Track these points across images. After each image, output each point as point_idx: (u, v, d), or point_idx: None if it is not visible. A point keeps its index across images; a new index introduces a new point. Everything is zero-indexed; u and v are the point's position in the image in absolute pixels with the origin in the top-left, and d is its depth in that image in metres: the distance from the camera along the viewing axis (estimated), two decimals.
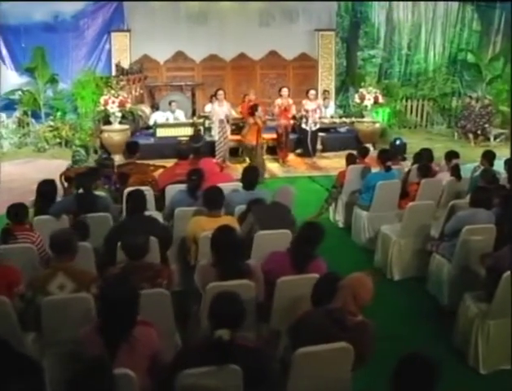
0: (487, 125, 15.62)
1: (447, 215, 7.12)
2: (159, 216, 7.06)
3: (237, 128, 13.44)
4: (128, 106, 13.39)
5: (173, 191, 7.36)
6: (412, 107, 17.79)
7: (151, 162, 9.21)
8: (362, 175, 8.77)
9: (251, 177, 6.91)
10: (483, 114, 15.69)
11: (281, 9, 16.45)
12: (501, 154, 14.09)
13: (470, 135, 15.74)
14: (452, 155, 8.65)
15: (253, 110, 11.85)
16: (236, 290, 4.72)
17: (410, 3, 17.54)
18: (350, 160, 9.12)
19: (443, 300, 6.55)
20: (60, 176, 8.56)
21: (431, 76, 17.96)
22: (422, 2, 17.60)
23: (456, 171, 8.36)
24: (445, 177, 8.42)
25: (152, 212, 7.08)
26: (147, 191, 7.71)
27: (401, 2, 17.48)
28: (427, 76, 17.97)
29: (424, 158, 8.97)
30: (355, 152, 9.38)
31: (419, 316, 6.47)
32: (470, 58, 18.01)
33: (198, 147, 8.84)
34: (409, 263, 7.29)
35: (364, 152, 9.31)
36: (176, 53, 16.16)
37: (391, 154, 9.36)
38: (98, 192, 7.18)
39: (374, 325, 3.95)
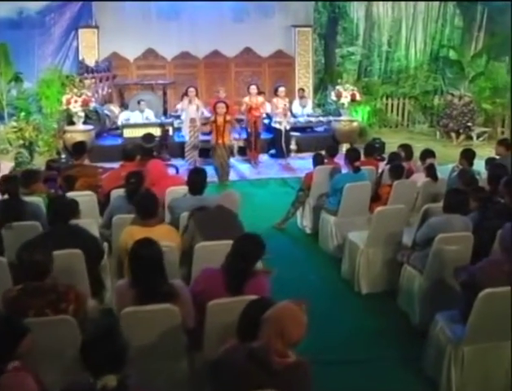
0: (469, 124, 14.83)
1: (420, 221, 6.29)
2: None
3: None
4: (92, 105, 12.51)
5: (117, 195, 6.52)
6: (392, 105, 16.96)
7: (118, 165, 8.30)
8: (330, 177, 7.94)
9: (197, 180, 6.02)
10: (465, 112, 14.91)
11: (256, 4, 15.57)
12: (484, 153, 13.48)
13: (453, 134, 14.98)
14: (426, 154, 7.83)
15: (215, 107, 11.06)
16: (157, 315, 3.94)
17: None
18: (318, 160, 8.26)
19: (415, 318, 5.72)
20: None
21: (412, 73, 17.11)
22: None
23: (431, 171, 7.54)
24: (420, 178, 7.60)
25: (89, 220, 6.21)
26: (90, 195, 6.94)
27: None
28: (408, 73, 17.12)
29: (400, 156, 8.20)
30: (323, 152, 8.52)
31: (387, 336, 5.64)
32: (453, 55, 17.20)
33: (150, 147, 7.95)
34: (379, 275, 6.44)
35: (333, 152, 8.46)
36: (146, 50, 15.25)
37: (369, 151, 8.61)
38: (34, 197, 6.35)
39: (310, 367, 3.07)
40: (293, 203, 8.37)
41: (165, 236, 5.13)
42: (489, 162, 8.04)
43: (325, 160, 8.27)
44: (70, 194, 6.59)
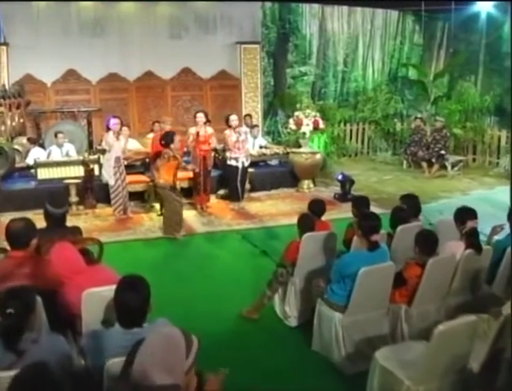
0: (443, 152, 12.47)
1: (495, 337, 3.71)
2: None
3: (143, 165, 10.05)
4: None
5: None
6: (351, 131, 14.58)
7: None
8: (325, 247, 5.31)
9: (134, 302, 3.14)
10: (437, 139, 12.60)
11: (196, 18, 12.93)
12: (463, 186, 11.52)
13: (424, 164, 12.63)
14: (465, 214, 5.22)
15: (168, 139, 8.19)
16: None
17: (345, 12, 14.33)
18: (306, 224, 5.48)
19: None
20: None
21: (371, 95, 14.81)
22: (359, 12, 14.44)
23: (474, 240, 5.00)
24: (459, 248, 5.03)
25: None
26: None
27: (335, 12, 14.23)
28: (367, 95, 14.85)
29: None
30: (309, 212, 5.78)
31: None
32: (413, 74, 15.07)
33: (61, 213, 4.96)
34: None
35: (320, 209, 5.78)
36: (67, 72, 12.39)
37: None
38: None
39: None
40: (270, 283, 5.60)
41: None
42: None
43: (316, 223, 5.58)
44: None
